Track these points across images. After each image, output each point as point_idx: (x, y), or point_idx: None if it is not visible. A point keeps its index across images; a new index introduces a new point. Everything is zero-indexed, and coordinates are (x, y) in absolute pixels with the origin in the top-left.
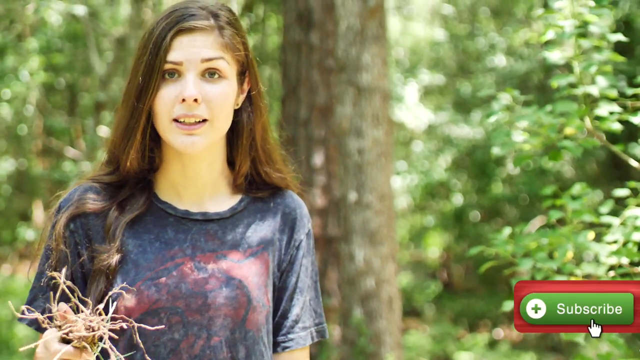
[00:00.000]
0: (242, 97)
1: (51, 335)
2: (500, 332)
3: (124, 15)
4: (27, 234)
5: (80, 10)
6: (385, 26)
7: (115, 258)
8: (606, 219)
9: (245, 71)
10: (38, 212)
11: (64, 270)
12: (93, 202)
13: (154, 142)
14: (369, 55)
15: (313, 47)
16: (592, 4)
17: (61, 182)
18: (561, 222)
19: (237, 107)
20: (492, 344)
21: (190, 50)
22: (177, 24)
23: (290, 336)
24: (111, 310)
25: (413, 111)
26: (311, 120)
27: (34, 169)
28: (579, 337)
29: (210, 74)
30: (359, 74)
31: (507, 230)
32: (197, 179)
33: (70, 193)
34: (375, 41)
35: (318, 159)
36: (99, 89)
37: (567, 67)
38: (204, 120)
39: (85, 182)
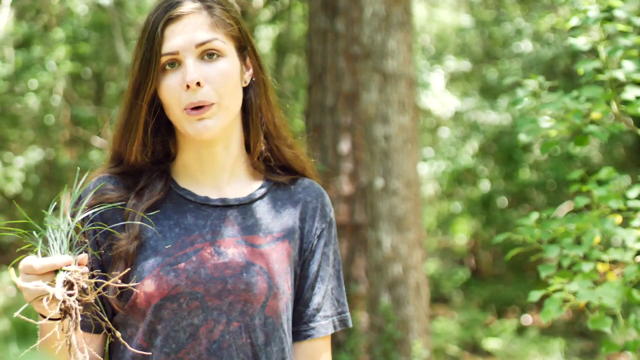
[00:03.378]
0: (249, 73)
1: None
2: (528, 318)
3: (150, 4)
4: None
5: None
6: (410, 12)
7: (134, 244)
8: (633, 204)
9: (244, 47)
10: (66, 202)
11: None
12: (111, 192)
13: (166, 133)
14: (395, 41)
15: (338, 34)
16: None
17: (88, 171)
18: (589, 207)
19: (245, 85)
20: (521, 330)
21: (182, 37)
22: (165, 14)
23: (312, 325)
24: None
25: (439, 98)
26: (337, 107)
27: (62, 158)
28: (606, 327)
29: (209, 55)
30: (385, 61)
31: (534, 216)
32: (214, 164)
33: (88, 185)
34: (400, 27)
35: (344, 146)
36: (125, 78)
37: (594, 52)
38: (212, 104)
39: (102, 174)
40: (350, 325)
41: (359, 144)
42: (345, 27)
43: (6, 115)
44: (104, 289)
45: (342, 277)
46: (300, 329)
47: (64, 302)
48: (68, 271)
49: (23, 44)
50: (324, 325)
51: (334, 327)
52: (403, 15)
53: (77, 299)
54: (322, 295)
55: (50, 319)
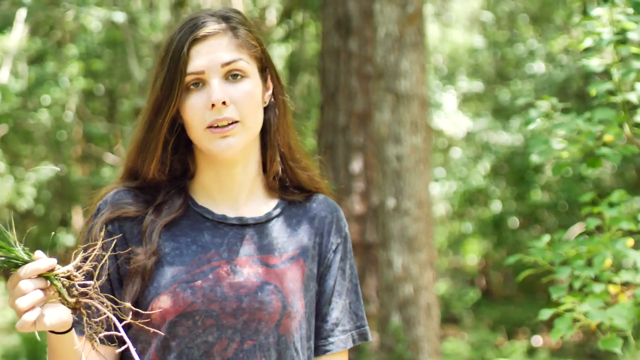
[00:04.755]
0: (268, 94)
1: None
2: (539, 340)
3: (163, 21)
4: (67, 239)
5: (119, 16)
6: (423, 33)
7: (151, 260)
8: None
9: (265, 68)
10: (77, 218)
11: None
12: (129, 206)
13: (185, 151)
14: (408, 62)
15: (352, 53)
16: (631, 11)
17: (100, 187)
18: (600, 229)
19: (265, 105)
20: (531, 352)
21: (208, 57)
22: (191, 34)
23: (331, 339)
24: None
25: (452, 118)
26: (350, 126)
27: (74, 174)
28: (617, 347)
29: (233, 75)
30: (398, 81)
31: (546, 238)
32: (232, 184)
33: (106, 197)
34: (413, 48)
35: (356, 166)
36: (138, 95)
37: (606, 74)
38: (236, 122)
39: (120, 187)
40: (370, 339)
41: (371, 164)
42: (358, 47)
43: (19, 131)
44: (117, 303)
45: (359, 291)
46: (319, 344)
47: (75, 302)
48: (57, 274)
49: (36, 60)
50: (342, 340)
51: (353, 340)
52: (416, 35)
53: (84, 294)
54: (340, 310)
55: (56, 332)
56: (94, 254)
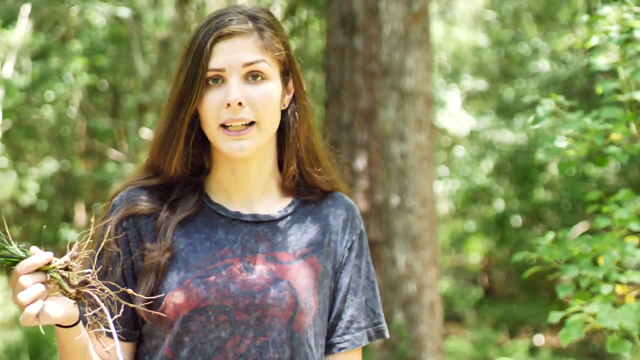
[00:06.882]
0: (288, 97)
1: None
2: (541, 338)
3: (168, 17)
4: (69, 234)
5: (124, 12)
6: (429, 31)
7: (165, 256)
8: None
9: (288, 71)
10: (80, 213)
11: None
12: (144, 203)
13: (202, 147)
14: (413, 59)
15: (356, 51)
16: (638, 9)
17: (103, 183)
18: (606, 228)
19: (283, 108)
20: (533, 350)
21: (231, 55)
22: (216, 30)
23: (346, 337)
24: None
25: (455, 116)
26: (354, 124)
27: (77, 170)
28: (626, 351)
29: (253, 76)
30: (403, 79)
31: (550, 235)
32: (247, 180)
33: (121, 195)
34: (419, 46)
35: (360, 163)
36: (142, 91)
37: (612, 73)
38: (252, 123)
39: (135, 184)
40: (387, 335)
41: (375, 162)
42: (363, 45)
43: (22, 126)
44: (131, 301)
45: (377, 288)
46: (335, 342)
47: (76, 292)
48: (54, 267)
49: (40, 55)
50: (358, 337)
51: (370, 338)
52: (422, 33)
53: (83, 283)
54: (356, 307)
55: (63, 326)
56: (87, 242)
